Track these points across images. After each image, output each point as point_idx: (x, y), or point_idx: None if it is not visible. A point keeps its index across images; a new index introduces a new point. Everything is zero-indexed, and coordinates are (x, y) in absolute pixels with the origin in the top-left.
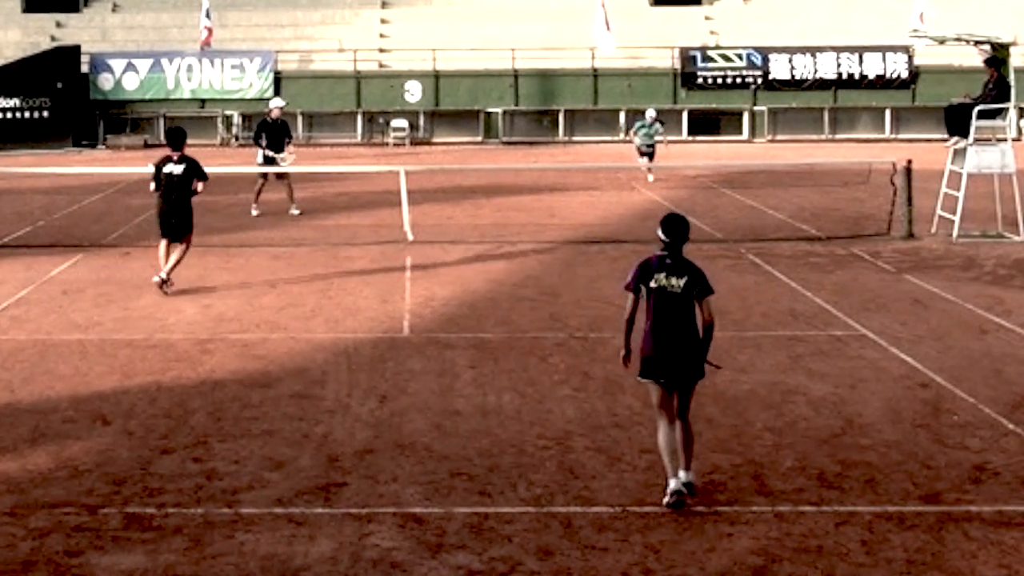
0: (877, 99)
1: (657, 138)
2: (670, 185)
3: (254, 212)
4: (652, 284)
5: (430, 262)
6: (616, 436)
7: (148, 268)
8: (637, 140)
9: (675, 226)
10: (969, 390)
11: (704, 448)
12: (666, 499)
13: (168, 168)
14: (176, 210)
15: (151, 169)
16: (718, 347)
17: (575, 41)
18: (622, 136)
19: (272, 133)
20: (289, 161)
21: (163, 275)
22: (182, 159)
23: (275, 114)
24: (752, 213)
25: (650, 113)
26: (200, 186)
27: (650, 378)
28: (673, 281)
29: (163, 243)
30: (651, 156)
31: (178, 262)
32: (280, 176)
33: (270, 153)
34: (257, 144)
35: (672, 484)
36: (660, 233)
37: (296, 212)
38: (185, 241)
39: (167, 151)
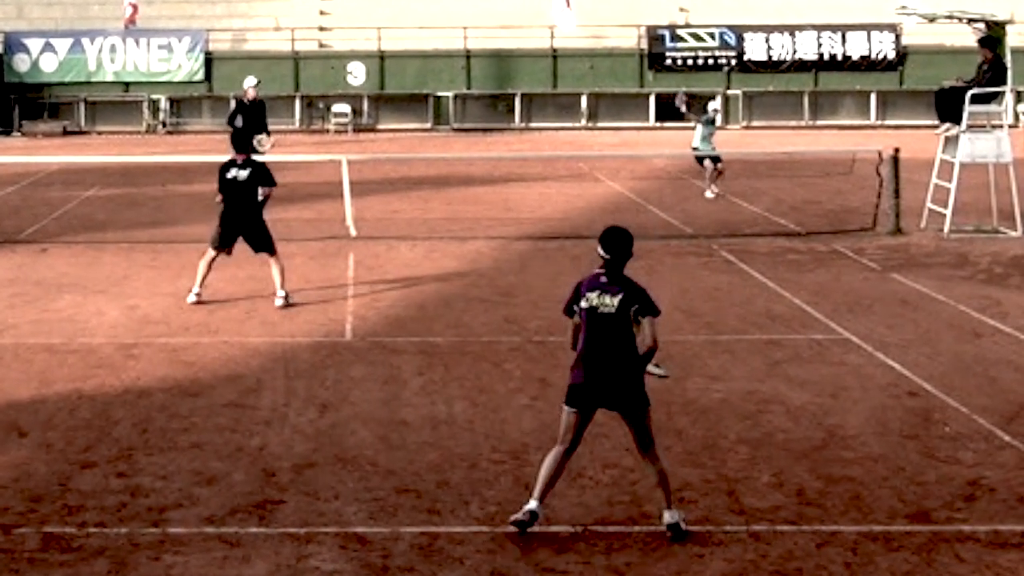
0: (861, 82)
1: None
2: (636, 176)
3: None
4: (583, 304)
5: (375, 260)
6: (577, 450)
7: (67, 266)
8: (694, 141)
9: (616, 241)
10: (961, 399)
11: (674, 462)
12: (516, 516)
13: (232, 173)
14: (243, 221)
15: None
16: (688, 352)
17: (532, 19)
18: (583, 122)
19: (249, 115)
20: (268, 147)
21: (196, 292)
22: (247, 163)
23: (251, 94)
24: (725, 206)
25: (712, 106)
26: (263, 193)
27: (574, 407)
28: (606, 300)
29: (210, 254)
30: (716, 160)
31: (282, 274)
32: None
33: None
34: (231, 127)
35: (530, 504)
36: (599, 249)
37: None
38: (273, 256)
39: (230, 155)
